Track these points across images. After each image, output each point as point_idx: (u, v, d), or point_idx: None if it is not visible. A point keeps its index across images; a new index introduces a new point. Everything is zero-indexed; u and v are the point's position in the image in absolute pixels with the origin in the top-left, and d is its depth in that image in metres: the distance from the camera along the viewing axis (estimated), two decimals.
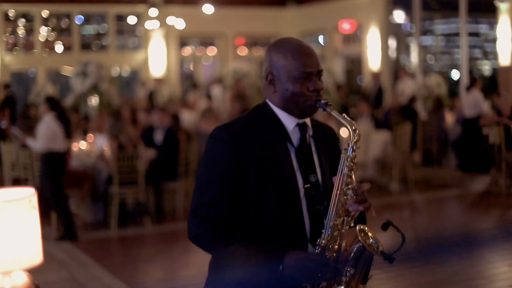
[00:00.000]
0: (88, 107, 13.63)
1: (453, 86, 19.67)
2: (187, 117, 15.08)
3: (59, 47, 20.86)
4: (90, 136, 11.51)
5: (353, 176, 2.75)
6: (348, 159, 2.74)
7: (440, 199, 11.59)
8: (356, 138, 2.74)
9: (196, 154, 10.86)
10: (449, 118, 15.03)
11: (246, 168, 2.74)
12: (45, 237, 9.16)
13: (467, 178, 13.03)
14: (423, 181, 12.95)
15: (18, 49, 20.42)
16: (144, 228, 9.70)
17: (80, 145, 11.03)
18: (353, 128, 2.75)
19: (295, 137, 2.87)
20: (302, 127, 2.88)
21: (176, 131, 10.84)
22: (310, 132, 2.92)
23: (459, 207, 11.25)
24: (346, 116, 2.77)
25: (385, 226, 2.79)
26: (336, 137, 3.10)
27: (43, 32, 20.49)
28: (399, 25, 21.66)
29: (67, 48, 20.72)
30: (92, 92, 13.29)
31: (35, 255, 2.58)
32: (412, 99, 15.36)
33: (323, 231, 2.74)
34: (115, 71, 20.59)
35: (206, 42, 22.61)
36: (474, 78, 14.64)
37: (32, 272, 2.66)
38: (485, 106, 13.76)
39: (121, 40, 21.55)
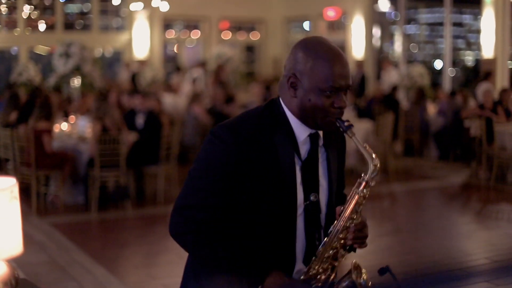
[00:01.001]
0: (70, 88, 13.53)
1: (436, 76, 19.73)
2: (170, 100, 15.06)
3: (42, 26, 20.69)
4: (72, 117, 11.45)
5: (360, 212, 2.58)
6: (360, 195, 2.56)
7: (420, 190, 11.65)
8: (373, 175, 2.55)
9: (179, 138, 10.84)
10: (431, 109, 15.07)
11: (243, 175, 2.53)
12: (24, 219, 9.09)
13: (447, 170, 13.09)
14: (404, 171, 13.01)
15: (0, 26, 20.22)
16: (125, 212, 9.68)
17: (62, 127, 10.97)
18: (374, 163, 2.54)
19: (304, 148, 2.63)
20: (313, 137, 2.65)
21: (157, 115, 10.79)
22: (321, 141, 2.68)
23: (439, 198, 11.31)
24: (367, 147, 2.56)
25: (382, 271, 2.61)
26: (343, 137, 2.81)
27: (26, 10, 20.30)
28: (383, 13, 21.68)
29: (50, 27, 20.55)
30: (74, 73, 13.19)
31: (16, 246, 2.56)
32: (394, 88, 15.40)
33: (313, 258, 2.60)
34: (98, 51, 20.46)
35: (190, 25, 22.50)
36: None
37: None
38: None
39: (105, 20, 21.39)
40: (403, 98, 16.23)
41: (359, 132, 11.99)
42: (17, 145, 9.63)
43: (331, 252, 2.58)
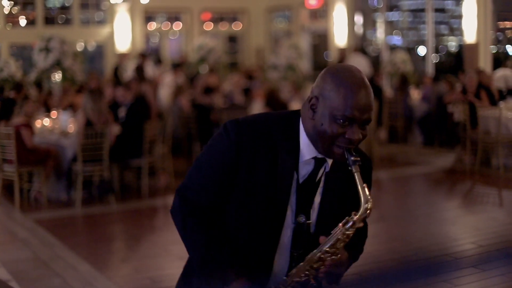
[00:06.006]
0: (51, 83, 13.43)
1: (419, 63, 19.72)
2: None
3: (23, 21, 20.53)
4: (54, 112, 11.36)
5: (340, 248, 2.55)
6: (344, 233, 2.52)
7: (405, 176, 11.64)
8: (362, 216, 2.49)
9: (163, 131, 10.77)
10: (415, 95, 15.08)
11: (241, 171, 2.60)
12: (8, 216, 9.01)
13: (432, 155, 13.10)
14: (389, 158, 13.00)
15: None
16: (109, 206, 9.61)
17: (43, 122, 10.88)
18: (366, 206, 2.48)
19: (305, 168, 2.64)
20: (319, 161, 2.63)
21: (139, 107, 10.67)
22: (327, 168, 2.67)
23: (424, 184, 11.32)
24: (366, 189, 2.50)
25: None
26: (369, 170, 2.79)
27: (6, 5, 20.13)
28: (365, 0, 21.63)
29: (31, 22, 20.40)
30: (55, 68, 13.09)
31: None
32: (376, 75, 15.35)
33: (284, 278, 2.64)
34: (80, 45, 20.33)
35: (172, 17, 22.39)
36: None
37: None
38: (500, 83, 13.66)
39: (86, 14, 21.27)
40: (386, 85, 16.20)
41: None
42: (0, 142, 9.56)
43: (302, 276, 2.58)
